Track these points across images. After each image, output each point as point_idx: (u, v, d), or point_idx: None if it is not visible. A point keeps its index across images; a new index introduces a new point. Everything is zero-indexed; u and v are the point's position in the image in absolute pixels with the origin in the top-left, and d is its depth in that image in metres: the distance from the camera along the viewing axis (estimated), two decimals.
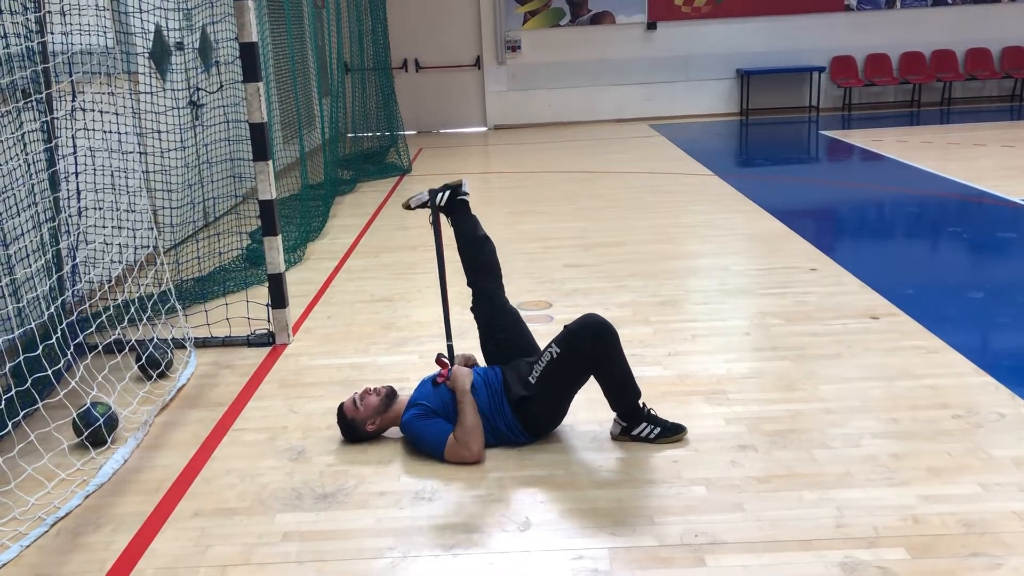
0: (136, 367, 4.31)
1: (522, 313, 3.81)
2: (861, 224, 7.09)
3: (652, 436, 3.44)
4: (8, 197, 4.12)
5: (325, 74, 10.66)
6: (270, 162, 4.65)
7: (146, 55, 6.38)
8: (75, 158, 4.69)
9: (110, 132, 5.00)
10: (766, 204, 7.69)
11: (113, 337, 4.31)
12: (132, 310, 4.46)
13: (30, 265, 4.26)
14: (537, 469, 3.33)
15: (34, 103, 4.32)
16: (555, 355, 3.38)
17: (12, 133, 4.16)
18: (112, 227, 5.06)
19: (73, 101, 4.71)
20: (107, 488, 3.35)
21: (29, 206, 4.22)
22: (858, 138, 11.50)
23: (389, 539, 2.91)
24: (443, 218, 3.86)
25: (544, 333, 4.44)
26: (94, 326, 4.33)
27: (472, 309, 3.84)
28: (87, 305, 4.55)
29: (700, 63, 14.19)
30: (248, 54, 4.50)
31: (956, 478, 3.11)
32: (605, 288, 5.51)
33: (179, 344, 4.69)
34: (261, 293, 5.33)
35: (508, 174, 10.29)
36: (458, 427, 3.37)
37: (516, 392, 3.45)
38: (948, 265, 5.85)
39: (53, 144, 4.46)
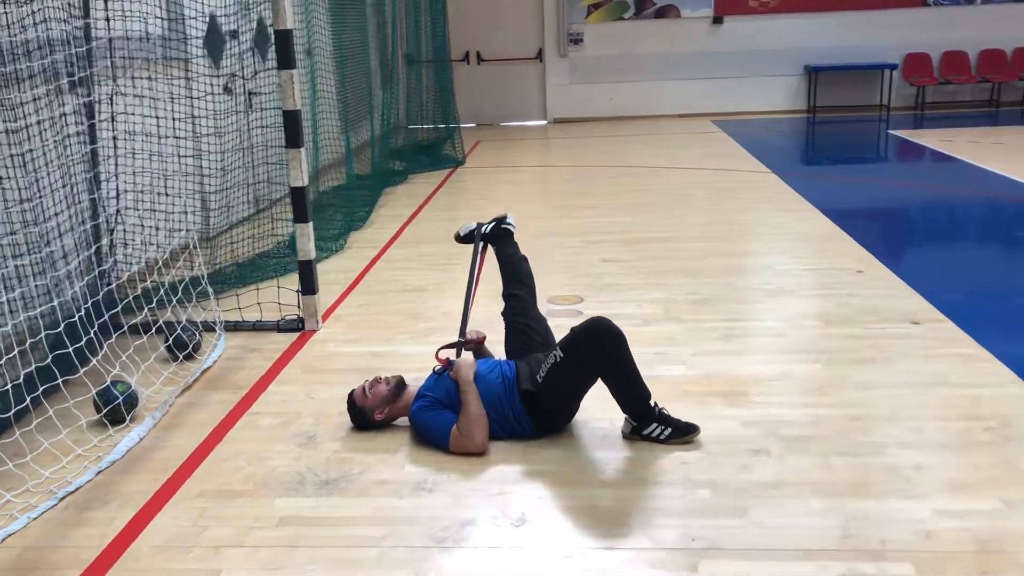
0: (163, 348, 4.38)
1: (550, 309, 3.80)
2: (916, 226, 6.82)
3: (663, 436, 3.35)
4: (46, 175, 4.21)
5: (384, 65, 10.71)
6: (302, 149, 4.67)
7: (198, 41, 6.48)
8: (114, 141, 4.77)
9: (152, 117, 5.09)
10: (821, 204, 7.45)
11: (140, 318, 4.35)
12: (161, 292, 4.52)
13: (62, 246, 4.35)
14: (542, 464, 3.27)
15: (76, 85, 4.41)
16: (558, 359, 3.32)
17: (52, 113, 4.25)
18: (149, 211, 5.14)
19: (115, 84, 4.80)
20: (120, 465, 3.40)
21: (64, 186, 4.31)
22: (928, 138, 11.09)
23: (384, 528, 2.89)
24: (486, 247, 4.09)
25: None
26: (119, 306, 4.40)
27: (503, 313, 3.94)
28: (115, 285, 4.63)
29: (767, 58, 13.85)
30: (282, 41, 4.52)
31: (978, 493, 2.95)
32: (638, 284, 5.40)
33: (209, 327, 4.75)
34: (296, 279, 5.36)
35: (565, 167, 10.22)
36: (461, 418, 3.34)
37: (524, 386, 3.40)
38: (1004, 272, 5.58)
39: (96, 121, 4.55)
